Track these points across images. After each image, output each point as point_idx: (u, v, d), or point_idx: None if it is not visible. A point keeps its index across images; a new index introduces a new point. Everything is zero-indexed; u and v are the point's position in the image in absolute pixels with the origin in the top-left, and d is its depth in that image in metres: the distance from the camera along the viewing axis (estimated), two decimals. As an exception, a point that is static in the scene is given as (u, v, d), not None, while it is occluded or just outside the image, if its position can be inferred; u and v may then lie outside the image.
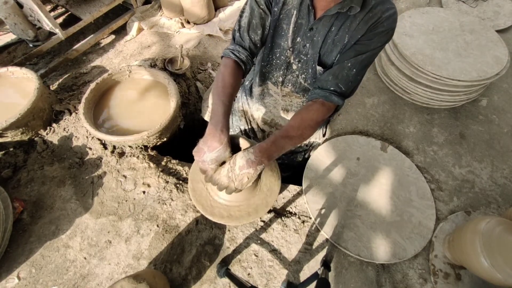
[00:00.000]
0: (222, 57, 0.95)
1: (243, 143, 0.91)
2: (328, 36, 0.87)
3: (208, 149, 0.76)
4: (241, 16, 0.93)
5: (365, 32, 0.83)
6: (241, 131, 1.43)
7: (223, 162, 0.79)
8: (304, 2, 0.85)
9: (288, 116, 1.27)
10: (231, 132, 1.45)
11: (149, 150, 1.49)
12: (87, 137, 1.48)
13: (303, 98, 1.16)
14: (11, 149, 1.43)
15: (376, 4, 0.80)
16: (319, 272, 0.98)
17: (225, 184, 0.75)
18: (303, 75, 1.04)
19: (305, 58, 0.97)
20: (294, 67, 1.02)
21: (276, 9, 0.90)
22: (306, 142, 1.44)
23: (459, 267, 1.13)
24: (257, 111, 1.32)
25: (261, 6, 0.89)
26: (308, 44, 0.92)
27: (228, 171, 0.74)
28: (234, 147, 0.95)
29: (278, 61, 1.04)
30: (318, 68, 0.94)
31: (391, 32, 0.82)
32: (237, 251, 1.15)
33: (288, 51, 0.98)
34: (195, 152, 0.79)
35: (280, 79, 1.09)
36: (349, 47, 0.86)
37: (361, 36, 0.83)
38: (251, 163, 0.73)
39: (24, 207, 1.26)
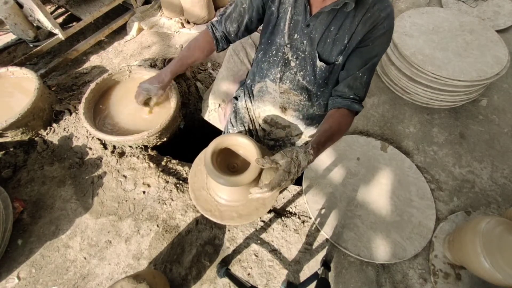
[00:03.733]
0: None
1: (249, 145, 0.90)
2: (326, 35, 0.88)
3: (149, 81, 1.01)
4: (230, 4, 1.03)
5: (366, 34, 0.83)
6: (245, 130, 1.42)
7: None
8: None
9: (286, 115, 1.27)
10: (234, 131, 1.45)
11: (149, 150, 1.49)
12: (87, 137, 1.48)
13: (300, 97, 1.16)
14: (11, 149, 1.43)
15: (374, 3, 0.80)
16: (319, 272, 0.98)
17: (283, 187, 0.76)
18: (301, 73, 1.04)
19: (302, 55, 0.98)
20: (292, 64, 1.03)
21: (273, 8, 0.93)
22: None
23: (459, 267, 1.12)
24: (257, 109, 1.32)
25: (243, 5, 0.97)
26: (305, 41, 0.93)
27: (294, 175, 0.74)
28: (236, 147, 0.95)
29: (275, 58, 1.05)
30: (320, 63, 0.95)
31: (391, 31, 0.85)
32: (237, 251, 1.15)
33: (285, 47, 0.99)
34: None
35: (278, 75, 1.10)
36: (350, 48, 0.88)
37: (361, 37, 0.84)
38: (309, 163, 0.78)
39: (24, 207, 1.26)
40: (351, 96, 0.94)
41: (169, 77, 1.07)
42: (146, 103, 1.25)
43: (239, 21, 1.00)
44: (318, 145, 0.80)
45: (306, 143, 1.04)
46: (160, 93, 1.10)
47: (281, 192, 1.32)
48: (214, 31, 1.05)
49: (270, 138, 1.38)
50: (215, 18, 1.08)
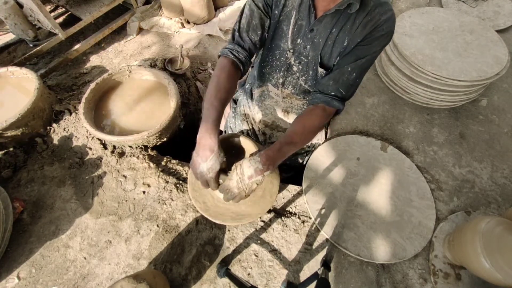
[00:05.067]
0: (219, 56, 0.93)
1: (247, 145, 0.91)
2: (329, 38, 0.87)
3: (202, 160, 0.75)
4: (240, 16, 0.93)
5: (365, 36, 0.83)
6: (242, 133, 1.43)
7: (224, 170, 0.80)
8: (304, 3, 0.85)
9: (289, 118, 1.27)
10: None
11: (149, 150, 1.49)
12: (87, 137, 1.48)
13: (303, 100, 1.16)
14: (11, 149, 1.43)
15: (375, 6, 0.80)
16: (319, 272, 0.98)
17: (235, 194, 0.76)
18: (303, 77, 1.04)
19: (305, 60, 0.97)
20: (295, 68, 1.02)
21: (276, 11, 0.90)
22: (308, 144, 1.45)
23: (459, 267, 1.12)
24: (258, 114, 1.31)
25: (260, 8, 0.89)
26: (308, 46, 0.92)
27: (238, 182, 0.75)
28: (235, 147, 0.95)
29: (278, 63, 1.04)
30: (320, 70, 0.94)
31: (390, 35, 0.83)
32: (237, 251, 1.15)
33: (288, 52, 0.98)
34: (191, 166, 0.79)
35: (281, 80, 1.09)
36: (348, 50, 0.87)
37: (360, 40, 0.84)
38: (259, 171, 0.75)
39: (24, 207, 1.26)
40: (332, 93, 0.88)
41: (215, 138, 0.76)
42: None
43: (262, 25, 0.92)
44: (268, 152, 0.77)
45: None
46: (222, 158, 0.77)
47: (280, 191, 1.32)
48: (237, 55, 0.90)
49: (271, 142, 1.39)
50: (229, 45, 0.93)
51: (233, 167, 0.78)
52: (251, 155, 0.82)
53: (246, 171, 0.74)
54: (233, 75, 0.89)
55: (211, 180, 0.76)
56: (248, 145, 0.93)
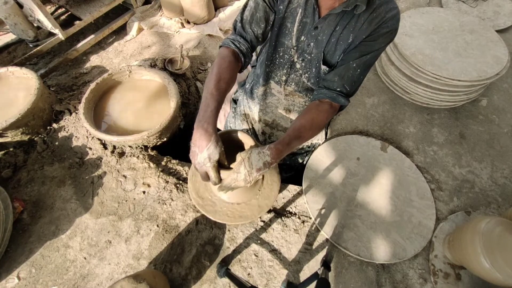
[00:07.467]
0: (220, 46, 0.91)
1: (245, 139, 0.91)
2: (333, 35, 0.87)
3: (199, 150, 0.74)
4: (244, 9, 0.92)
5: (370, 33, 0.83)
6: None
7: (228, 167, 0.79)
8: (310, 0, 0.85)
9: (290, 116, 1.27)
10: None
11: (149, 150, 1.49)
12: (87, 137, 1.48)
13: (305, 98, 1.16)
14: (11, 149, 1.43)
15: (380, 4, 0.80)
16: (319, 272, 0.98)
17: (241, 186, 0.75)
18: (306, 75, 1.04)
19: (309, 57, 0.97)
20: (298, 66, 1.02)
21: (281, 7, 0.90)
22: (308, 143, 1.45)
23: (459, 267, 1.12)
24: (259, 113, 1.31)
25: (265, 1, 0.88)
26: (312, 43, 0.92)
27: (246, 176, 0.73)
28: (233, 142, 0.95)
29: (282, 60, 1.04)
30: (323, 67, 0.94)
31: (394, 32, 0.84)
32: (237, 251, 1.15)
33: (292, 49, 0.98)
34: (191, 157, 0.78)
35: (284, 78, 1.09)
36: (353, 47, 0.87)
37: (365, 36, 0.84)
38: (268, 164, 0.74)
39: (24, 207, 1.26)
40: (338, 89, 0.89)
41: (213, 128, 0.75)
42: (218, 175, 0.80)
43: (266, 18, 0.90)
44: (278, 145, 0.76)
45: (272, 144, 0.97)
46: (220, 149, 0.74)
47: (280, 191, 1.32)
48: (239, 45, 0.88)
49: (271, 141, 1.38)
50: (231, 36, 0.92)
51: (238, 159, 0.76)
52: (252, 147, 0.81)
53: (255, 164, 0.73)
54: (234, 65, 0.87)
55: (211, 171, 0.73)
56: (247, 140, 0.92)
